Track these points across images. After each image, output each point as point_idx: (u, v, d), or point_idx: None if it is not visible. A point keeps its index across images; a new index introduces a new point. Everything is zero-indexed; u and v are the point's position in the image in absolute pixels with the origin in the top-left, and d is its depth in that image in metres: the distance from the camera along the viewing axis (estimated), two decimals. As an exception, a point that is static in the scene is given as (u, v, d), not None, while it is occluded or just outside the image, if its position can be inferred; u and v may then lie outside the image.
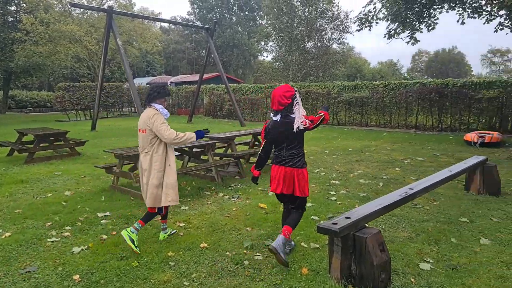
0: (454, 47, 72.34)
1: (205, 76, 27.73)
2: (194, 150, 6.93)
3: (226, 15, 49.20)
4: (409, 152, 9.46)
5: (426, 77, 60.61)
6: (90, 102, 22.36)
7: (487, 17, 12.17)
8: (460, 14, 12.14)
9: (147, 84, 30.61)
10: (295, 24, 25.67)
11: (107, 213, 4.89)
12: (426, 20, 12.34)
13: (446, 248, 3.68)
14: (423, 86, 15.15)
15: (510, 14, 11.56)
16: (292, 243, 3.67)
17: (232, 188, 6.14)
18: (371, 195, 5.60)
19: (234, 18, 49.43)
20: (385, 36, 12.11)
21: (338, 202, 5.27)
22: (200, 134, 3.85)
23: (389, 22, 11.66)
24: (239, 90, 22.16)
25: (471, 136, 10.63)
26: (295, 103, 3.30)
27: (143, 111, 3.70)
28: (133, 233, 3.60)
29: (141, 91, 26.59)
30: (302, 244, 3.79)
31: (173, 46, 54.12)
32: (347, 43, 27.23)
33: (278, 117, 3.34)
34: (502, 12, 11.65)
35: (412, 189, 4.01)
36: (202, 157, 7.18)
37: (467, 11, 11.99)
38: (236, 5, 49.64)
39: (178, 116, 24.44)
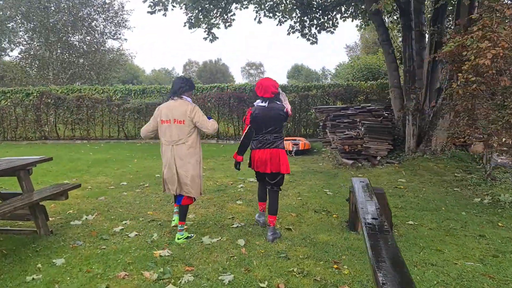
0: (219, 59, 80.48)
1: None
2: None
3: None
4: (231, 170, 7.63)
5: (199, 85, 64.20)
6: None
7: (279, 19, 12.05)
8: (257, 12, 11.48)
9: None
10: (52, 9, 20.15)
11: None
12: (224, 15, 11.04)
13: None
14: (221, 90, 14.07)
15: (301, 16, 11.76)
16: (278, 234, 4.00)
17: None
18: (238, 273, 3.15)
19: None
20: (185, 25, 10.02)
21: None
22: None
23: (187, 9, 9.61)
24: (-34, 95, 15.21)
25: (286, 144, 9.93)
26: (281, 93, 3.91)
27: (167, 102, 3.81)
28: (182, 235, 3.82)
29: None
30: None
31: None
32: (126, 40, 23.55)
33: (266, 103, 3.79)
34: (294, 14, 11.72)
35: None
36: None
37: (264, 10, 11.44)
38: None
39: None
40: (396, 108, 8.95)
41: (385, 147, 8.38)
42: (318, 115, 11.37)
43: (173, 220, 4.14)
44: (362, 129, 8.66)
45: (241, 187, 6.28)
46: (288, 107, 3.87)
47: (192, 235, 3.96)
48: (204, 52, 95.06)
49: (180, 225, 3.85)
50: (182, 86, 3.80)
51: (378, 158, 8.35)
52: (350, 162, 7.79)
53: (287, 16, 11.96)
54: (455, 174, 6.58)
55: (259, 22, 11.76)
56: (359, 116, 9.53)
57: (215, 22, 11.18)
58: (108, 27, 22.36)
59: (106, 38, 22.49)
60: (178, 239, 3.80)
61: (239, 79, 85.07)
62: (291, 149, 9.71)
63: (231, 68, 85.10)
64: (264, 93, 3.77)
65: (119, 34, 22.83)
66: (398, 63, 8.98)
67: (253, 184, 6.47)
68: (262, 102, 3.81)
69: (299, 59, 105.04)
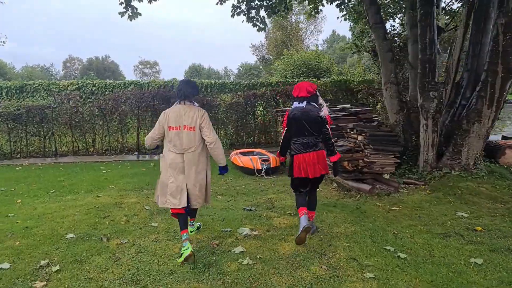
0: (107, 56, 74.17)
1: None
2: None
3: None
4: (199, 211, 4.92)
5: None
6: None
7: (220, -5, 9.52)
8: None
9: None
10: None
11: None
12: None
13: None
14: (140, 88, 10.87)
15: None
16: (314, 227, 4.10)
17: None
18: None
19: None
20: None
21: None
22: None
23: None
24: None
25: (250, 161, 7.45)
26: (319, 95, 3.91)
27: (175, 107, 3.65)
28: (186, 247, 3.47)
29: None
30: None
31: None
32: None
33: (303, 104, 3.78)
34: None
35: None
36: None
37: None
38: None
39: None
40: (392, 109, 7.25)
41: (392, 161, 6.53)
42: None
43: (186, 249, 3.48)
44: (359, 138, 6.71)
45: (241, 253, 3.66)
46: (325, 112, 3.81)
47: (200, 224, 4.20)
48: (87, 48, 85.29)
49: (191, 221, 3.97)
50: (193, 91, 3.68)
51: (386, 175, 6.50)
52: (367, 187, 5.71)
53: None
54: (519, 199, 5.01)
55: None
56: (342, 120, 7.62)
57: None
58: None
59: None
60: (191, 232, 3.92)
61: (132, 78, 79.59)
62: (260, 167, 7.27)
63: (121, 66, 77.85)
64: (299, 92, 3.80)
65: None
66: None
67: (257, 242, 3.91)
68: (299, 103, 3.82)
69: (198, 58, 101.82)
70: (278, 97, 11.04)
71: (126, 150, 10.51)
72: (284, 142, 3.89)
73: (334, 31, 68.98)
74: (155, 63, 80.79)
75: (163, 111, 3.69)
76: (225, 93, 11.31)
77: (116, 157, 9.90)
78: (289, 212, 4.92)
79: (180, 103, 3.62)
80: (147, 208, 5.21)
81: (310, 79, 14.06)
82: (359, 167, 6.45)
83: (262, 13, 10.13)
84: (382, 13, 7.77)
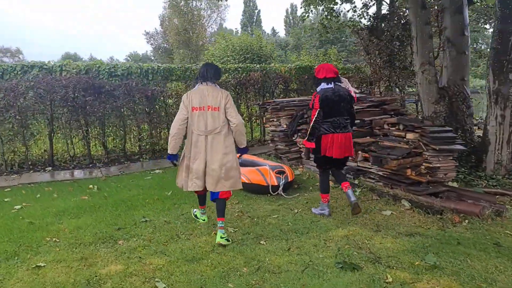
0: None
1: None
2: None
3: None
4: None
5: None
6: None
7: None
8: None
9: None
10: None
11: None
12: None
13: None
14: (49, 72, 7.63)
15: None
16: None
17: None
18: None
19: None
20: None
21: None
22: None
23: None
24: None
25: (261, 174, 5.32)
26: (342, 78, 4.08)
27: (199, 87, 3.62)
28: (224, 234, 3.57)
29: None
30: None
31: None
32: None
33: (332, 85, 3.95)
34: None
35: None
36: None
37: None
38: None
39: None
40: (430, 97, 5.92)
41: (451, 164, 5.19)
42: (272, 116, 7.19)
43: (203, 220, 4.03)
44: (411, 137, 5.17)
45: None
46: (352, 90, 4.02)
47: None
48: None
49: (220, 222, 3.62)
50: (218, 72, 3.74)
51: (451, 182, 5.11)
52: (475, 208, 4.13)
53: None
54: None
55: None
56: (365, 114, 6.08)
57: None
58: None
59: None
60: (221, 237, 3.54)
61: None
62: (276, 183, 5.20)
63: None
64: (327, 73, 3.94)
65: None
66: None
67: None
68: (327, 84, 3.94)
69: (73, 47, 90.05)
70: (240, 87, 8.96)
71: (30, 165, 7.24)
72: (316, 123, 3.95)
73: (221, 24, 68.20)
74: (18, 51, 68.91)
75: (185, 93, 3.68)
76: (172, 81, 8.77)
77: (20, 178, 6.62)
78: (409, 263, 3.07)
79: (202, 84, 3.63)
80: (159, 286, 2.80)
81: (255, 65, 12.29)
82: (425, 175, 4.94)
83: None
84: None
